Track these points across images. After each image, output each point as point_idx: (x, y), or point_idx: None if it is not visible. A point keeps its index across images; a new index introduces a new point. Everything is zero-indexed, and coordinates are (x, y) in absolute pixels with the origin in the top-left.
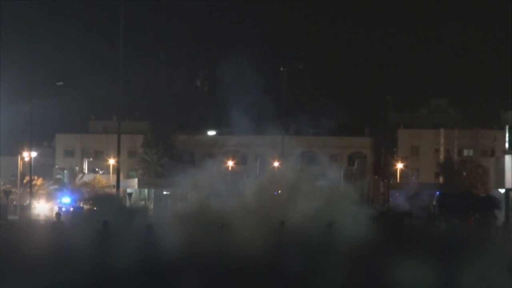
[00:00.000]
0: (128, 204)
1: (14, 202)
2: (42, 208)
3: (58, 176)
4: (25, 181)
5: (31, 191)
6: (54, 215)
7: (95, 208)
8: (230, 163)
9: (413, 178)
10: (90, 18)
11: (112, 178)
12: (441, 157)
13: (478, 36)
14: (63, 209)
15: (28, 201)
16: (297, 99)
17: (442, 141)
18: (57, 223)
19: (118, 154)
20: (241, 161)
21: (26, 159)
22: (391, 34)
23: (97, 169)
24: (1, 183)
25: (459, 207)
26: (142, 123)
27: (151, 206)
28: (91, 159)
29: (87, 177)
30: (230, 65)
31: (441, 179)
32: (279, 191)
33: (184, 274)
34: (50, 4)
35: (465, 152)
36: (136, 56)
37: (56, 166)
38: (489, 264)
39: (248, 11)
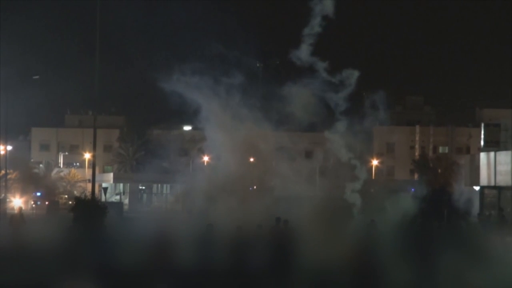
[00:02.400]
0: (103, 198)
1: None
2: (17, 201)
3: (35, 170)
4: (0, 174)
5: (6, 184)
6: (16, 210)
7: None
8: (206, 158)
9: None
10: (65, 12)
11: (88, 172)
12: (416, 154)
13: (454, 33)
14: (38, 202)
15: (3, 195)
16: (273, 94)
17: (417, 138)
18: (16, 216)
19: (93, 148)
20: (217, 156)
21: (2, 152)
22: (367, 31)
23: (75, 164)
24: None
25: (434, 204)
26: (118, 118)
27: (126, 200)
28: (66, 153)
29: (63, 171)
30: (206, 59)
31: (416, 176)
32: (254, 187)
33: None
34: None
35: (440, 149)
36: (112, 50)
37: (32, 160)
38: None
39: (225, 5)
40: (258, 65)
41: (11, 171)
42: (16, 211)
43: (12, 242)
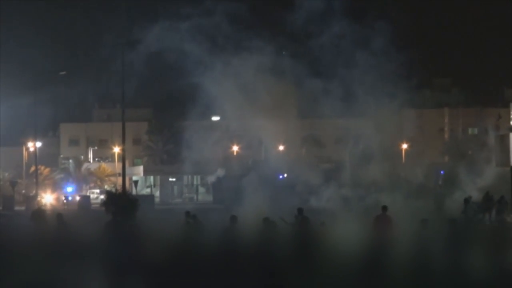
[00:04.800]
0: (134, 191)
1: (23, 191)
2: (48, 198)
3: (64, 165)
4: (30, 171)
5: (37, 181)
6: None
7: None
8: (235, 148)
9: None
10: (92, 6)
11: (118, 166)
12: (446, 136)
13: (480, 13)
14: (69, 198)
15: (34, 191)
16: (300, 82)
17: (446, 120)
18: (37, 212)
19: (123, 142)
20: (246, 145)
21: (31, 149)
22: (390, 13)
23: (109, 159)
24: (6, 174)
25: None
26: (146, 110)
27: (157, 193)
28: (96, 147)
29: (92, 166)
30: (234, 48)
31: (446, 159)
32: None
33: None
34: None
35: (470, 131)
36: (138, 43)
37: (61, 156)
38: None
39: None
40: (284, 52)
41: (42, 167)
42: (37, 207)
43: (32, 238)
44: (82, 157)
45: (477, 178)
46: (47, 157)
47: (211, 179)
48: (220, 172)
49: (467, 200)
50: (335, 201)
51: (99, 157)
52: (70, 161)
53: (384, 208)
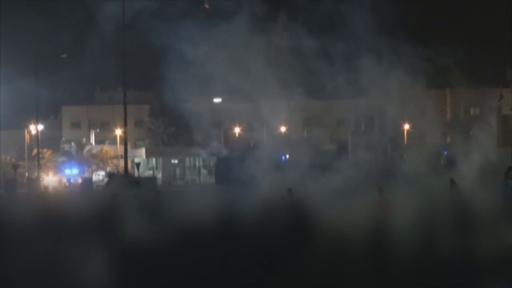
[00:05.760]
0: (136, 174)
1: (27, 174)
2: (51, 180)
3: (66, 148)
4: (32, 154)
5: (39, 164)
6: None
7: None
8: (237, 130)
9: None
10: None
11: (120, 148)
12: (447, 117)
13: None
14: (72, 180)
15: (36, 174)
16: (302, 63)
17: (448, 101)
18: (44, 193)
19: (124, 125)
20: (248, 127)
21: (33, 132)
22: None
23: (110, 142)
24: (8, 157)
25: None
26: (147, 93)
27: (160, 175)
28: (98, 130)
29: (95, 148)
30: (236, 29)
31: (448, 139)
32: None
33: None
34: None
35: (472, 111)
36: (139, 25)
37: (63, 139)
38: None
39: None
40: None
41: (44, 150)
42: (43, 189)
43: (40, 217)
44: (84, 139)
45: (478, 158)
46: (49, 140)
47: (205, 154)
48: (216, 147)
49: (452, 182)
50: (342, 181)
51: (101, 139)
52: (72, 143)
53: (380, 190)
